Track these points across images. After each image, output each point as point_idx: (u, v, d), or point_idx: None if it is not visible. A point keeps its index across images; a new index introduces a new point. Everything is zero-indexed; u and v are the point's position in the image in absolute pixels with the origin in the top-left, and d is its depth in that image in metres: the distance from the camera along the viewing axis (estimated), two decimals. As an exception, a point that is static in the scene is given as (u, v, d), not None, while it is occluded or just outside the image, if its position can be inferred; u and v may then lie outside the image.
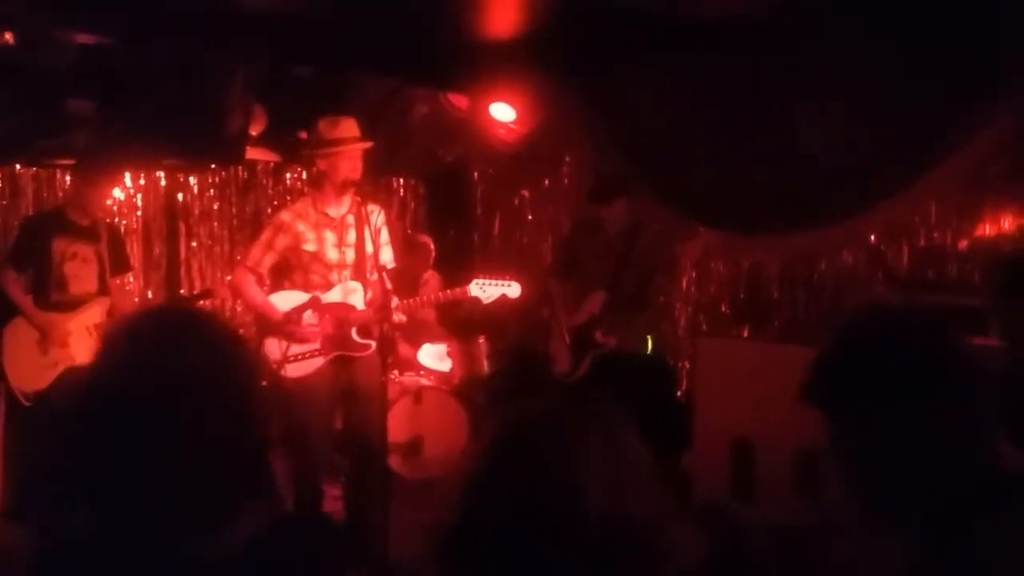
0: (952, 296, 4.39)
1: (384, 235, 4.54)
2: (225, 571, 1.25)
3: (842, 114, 3.91)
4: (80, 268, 5.15)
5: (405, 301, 4.59)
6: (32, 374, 4.98)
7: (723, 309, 6.47)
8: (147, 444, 1.21)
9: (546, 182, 7.34)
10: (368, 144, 4.51)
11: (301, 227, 4.46)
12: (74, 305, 5.11)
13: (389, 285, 4.23)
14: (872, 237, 5.59)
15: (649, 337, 5.28)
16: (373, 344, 4.44)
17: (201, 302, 5.45)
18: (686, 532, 1.24)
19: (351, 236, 4.49)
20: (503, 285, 4.75)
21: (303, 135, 4.89)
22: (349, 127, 4.45)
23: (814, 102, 3.98)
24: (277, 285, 4.65)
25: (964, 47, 3.53)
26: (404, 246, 6.48)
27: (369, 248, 4.37)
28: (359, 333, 4.48)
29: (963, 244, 5.41)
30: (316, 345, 4.43)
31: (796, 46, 3.94)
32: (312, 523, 1.39)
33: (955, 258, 5.45)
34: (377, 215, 4.52)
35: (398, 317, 4.38)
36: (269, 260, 4.51)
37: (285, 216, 4.56)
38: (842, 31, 3.78)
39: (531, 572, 1.19)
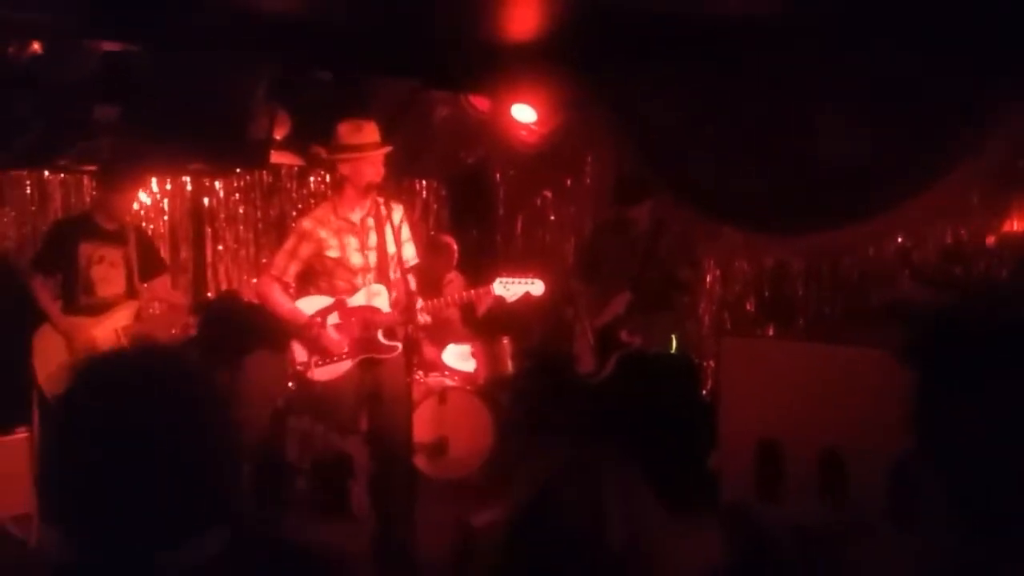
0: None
1: (405, 231, 4.51)
2: None
3: (854, 115, 3.89)
4: (107, 272, 5.19)
5: (430, 302, 4.60)
6: (61, 377, 5.02)
7: (748, 308, 6.45)
8: (115, 466, 1.32)
9: (568, 183, 7.34)
10: (388, 148, 4.51)
11: (323, 233, 4.46)
12: (102, 308, 5.15)
13: (413, 286, 4.24)
14: (898, 234, 5.54)
15: (674, 336, 5.27)
16: (399, 346, 4.44)
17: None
18: (700, 545, 1.41)
19: (372, 239, 4.50)
20: (527, 283, 4.75)
21: (320, 151, 4.89)
22: (370, 131, 4.44)
23: (825, 102, 3.96)
24: (302, 291, 4.67)
25: (971, 49, 3.50)
26: (427, 247, 6.49)
27: (391, 248, 4.37)
28: (385, 335, 4.49)
29: (991, 240, 5.36)
30: (343, 349, 4.45)
31: (808, 47, 3.92)
32: (273, 547, 1.46)
33: (983, 255, 5.40)
34: (396, 213, 4.51)
35: (423, 318, 4.39)
36: (294, 268, 4.50)
37: (307, 224, 4.55)
38: (854, 34, 3.76)
39: None
